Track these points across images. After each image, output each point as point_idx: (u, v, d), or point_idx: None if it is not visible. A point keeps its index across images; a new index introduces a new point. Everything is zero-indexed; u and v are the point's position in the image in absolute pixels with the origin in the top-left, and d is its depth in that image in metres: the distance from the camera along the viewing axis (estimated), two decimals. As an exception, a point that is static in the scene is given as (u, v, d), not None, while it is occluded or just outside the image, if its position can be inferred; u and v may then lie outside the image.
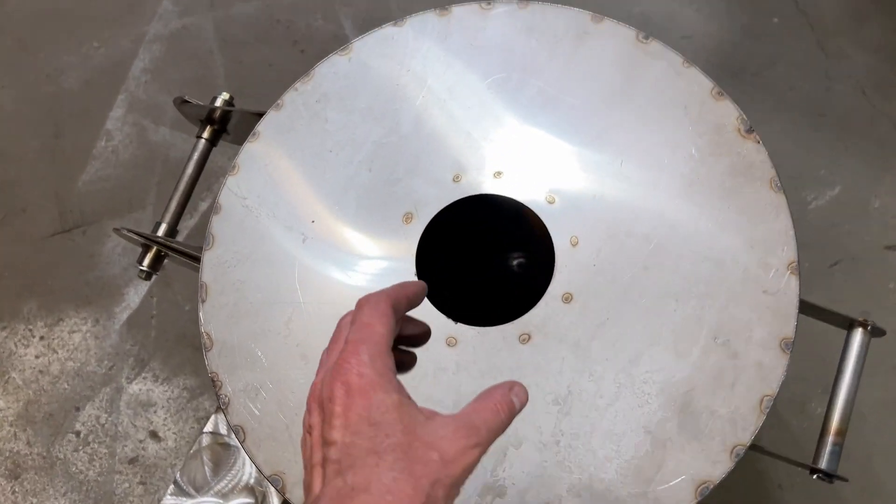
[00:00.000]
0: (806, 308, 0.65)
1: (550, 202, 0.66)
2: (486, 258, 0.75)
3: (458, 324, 0.64)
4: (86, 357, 1.16)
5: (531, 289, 0.64)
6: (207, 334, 0.67)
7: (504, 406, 0.38)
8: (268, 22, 1.34)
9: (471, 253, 0.73)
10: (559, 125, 0.68)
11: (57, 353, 1.17)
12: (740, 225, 0.63)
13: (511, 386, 0.40)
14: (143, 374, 1.14)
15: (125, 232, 0.76)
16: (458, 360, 0.63)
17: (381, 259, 0.67)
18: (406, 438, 0.35)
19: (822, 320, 0.69)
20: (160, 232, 0.79)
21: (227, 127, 0.82)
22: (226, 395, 0.65)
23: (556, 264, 0.64)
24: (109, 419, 1.12)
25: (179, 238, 0.81)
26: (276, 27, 1.33)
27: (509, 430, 0.40)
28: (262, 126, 0.73)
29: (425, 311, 0.64)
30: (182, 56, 1.34)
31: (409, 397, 0.37)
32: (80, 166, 1.27)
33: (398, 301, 0.40)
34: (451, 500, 0.35)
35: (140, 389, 1.14)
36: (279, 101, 0.73)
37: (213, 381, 0.65)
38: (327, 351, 0.41)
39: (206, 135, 0.82)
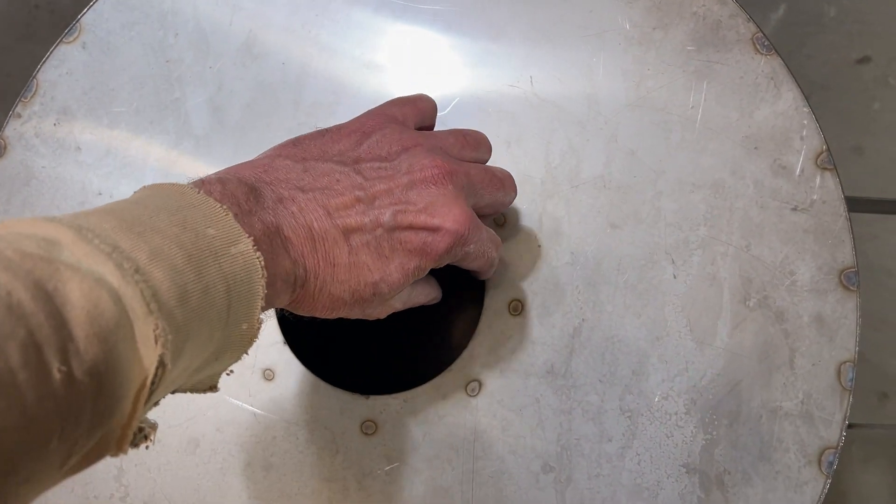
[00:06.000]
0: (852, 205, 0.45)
1: (445, 171, 0.43)
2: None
3: (371, 397, 0.42)
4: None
5: (460, 310, 0.42)
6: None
7: None
8: None
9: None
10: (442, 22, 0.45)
11: None
12: (728, 118, 0.42)
13: None
14: None
15: None
16: (387, 454, 0.41)
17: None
18: None
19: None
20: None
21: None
22: None
23: (482, 263, 0.42)
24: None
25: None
26: None
27: None
28: (-12, 187, 0.47)
29: (322, 396, 0.41)
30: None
31: None
32: None
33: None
34: None
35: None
36: None
37: None
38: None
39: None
